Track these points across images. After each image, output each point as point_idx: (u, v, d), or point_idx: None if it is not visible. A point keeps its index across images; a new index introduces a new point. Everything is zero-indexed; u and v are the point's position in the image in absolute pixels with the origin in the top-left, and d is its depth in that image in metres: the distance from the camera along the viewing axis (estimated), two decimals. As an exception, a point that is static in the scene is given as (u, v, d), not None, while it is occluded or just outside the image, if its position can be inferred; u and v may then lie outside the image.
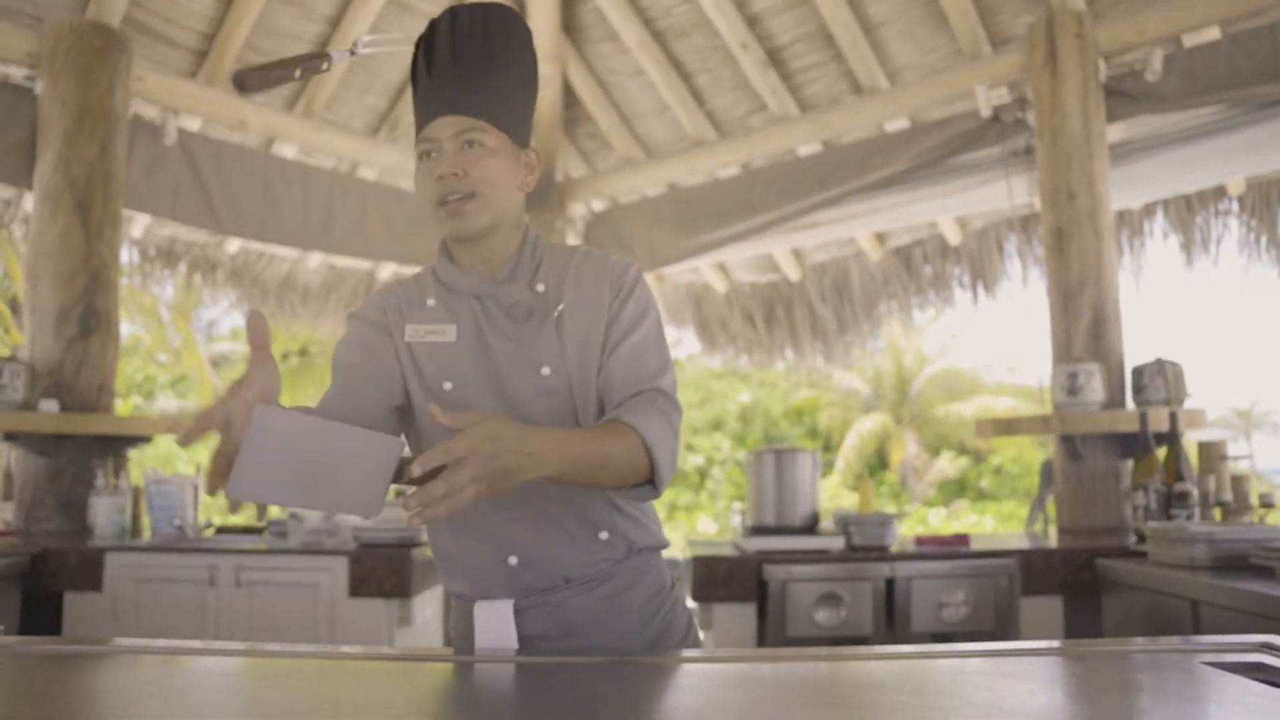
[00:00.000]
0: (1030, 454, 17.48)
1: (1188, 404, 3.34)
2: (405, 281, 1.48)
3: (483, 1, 1.40)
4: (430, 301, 1.42)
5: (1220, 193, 4.14)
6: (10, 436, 3.55)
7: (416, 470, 1.06)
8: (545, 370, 1.35)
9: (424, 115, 1.38)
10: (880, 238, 5.32)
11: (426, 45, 1.39)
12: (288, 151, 4.89)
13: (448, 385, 1.37)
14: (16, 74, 3.78)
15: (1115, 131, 3.86)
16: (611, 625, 1.37)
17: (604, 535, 1.37)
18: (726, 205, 5.01)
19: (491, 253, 1.40)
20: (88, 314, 3.70)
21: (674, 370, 1.40)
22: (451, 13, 1.39)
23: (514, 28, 1.40)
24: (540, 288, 1.40)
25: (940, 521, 16.39)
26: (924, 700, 1.02)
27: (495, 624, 1.36)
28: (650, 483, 1.27)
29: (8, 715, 0.98)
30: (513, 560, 1.36)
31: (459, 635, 1.43)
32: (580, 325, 1.37)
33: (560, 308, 1.38)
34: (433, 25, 1.39)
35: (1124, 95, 3.73)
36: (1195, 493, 2.73)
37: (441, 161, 1.33)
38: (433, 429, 1.37)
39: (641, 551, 1.41)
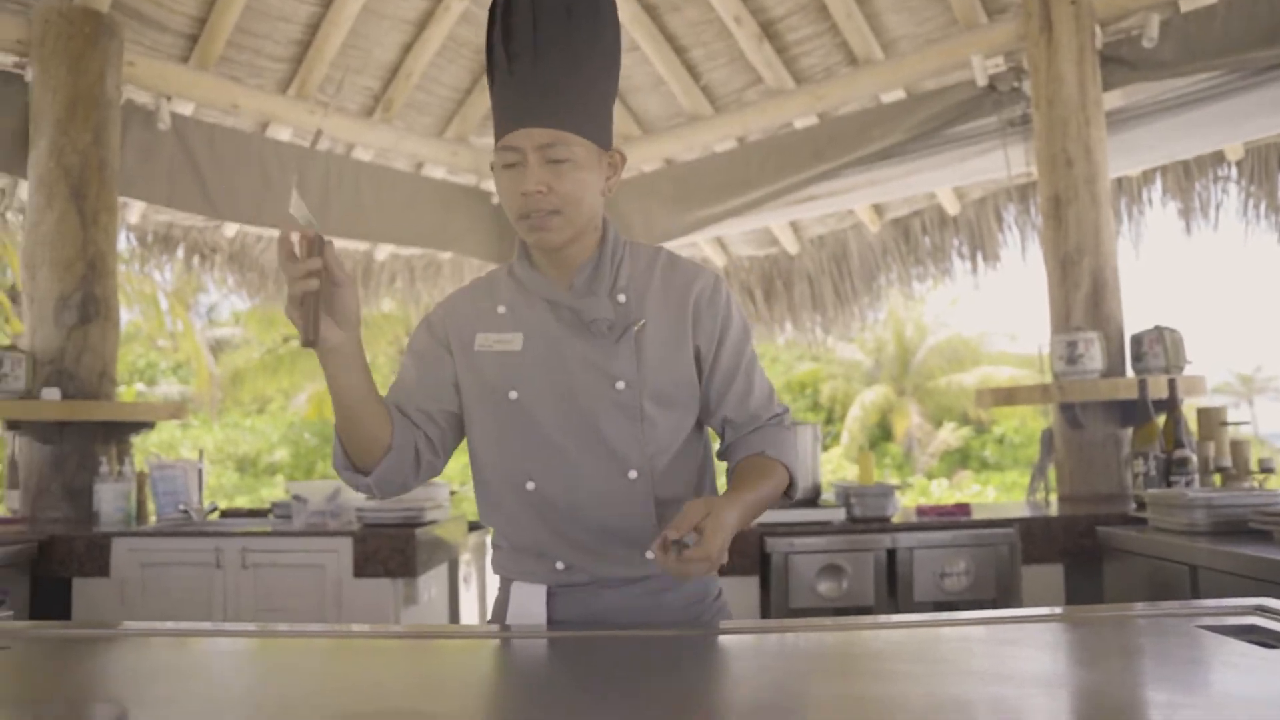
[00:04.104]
0: (1033, 423, 17.48)
1: (1187, 371, 3.34)
2: (479, 284, 1.49)
3: None
4: (501, 309, 1.42)
5: (1219, 158, 4.13)
6: (13, 425, 3.57)
7: (673, 535, 1.20)
8: (620, 385, 1.35)
9: (505, 117, 1.32)
10: (878, 209, 5.30)
11: (504, 25, 1.32)
12: (282, 134, 4.87)
13: (513, 394, 1.37)
14: (6, 61, 3.77)
15: (1112, 99, 3.84)
16: (643, 619, 1.38)
17: (650, 554, 1.38)
18: (723, 179, 4.99)
19: (570, 258, 1.40)
20: (86, 301, 3.70)
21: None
22: None
23: (598, 2, 1.34)
24: (621, 299, 1.39)
25: (943, 492, 16.44)
26: (927, 668, 1.03)
27: (528, 605, 1.40)
28: (786, 494, 1.43)
29: (22, 697, 0.99)
30: (559, 565, 1.39)
31: (497, 611, 1.46)
32: (660, 340, 1.38)
33: (642, 323, 1.38)
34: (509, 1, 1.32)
35: (1120, 62, 3.71)
36: (1194, 459, 2.74)
37: (526, 177, 1.30)
38: (486, 434, 1.41)
39: None
